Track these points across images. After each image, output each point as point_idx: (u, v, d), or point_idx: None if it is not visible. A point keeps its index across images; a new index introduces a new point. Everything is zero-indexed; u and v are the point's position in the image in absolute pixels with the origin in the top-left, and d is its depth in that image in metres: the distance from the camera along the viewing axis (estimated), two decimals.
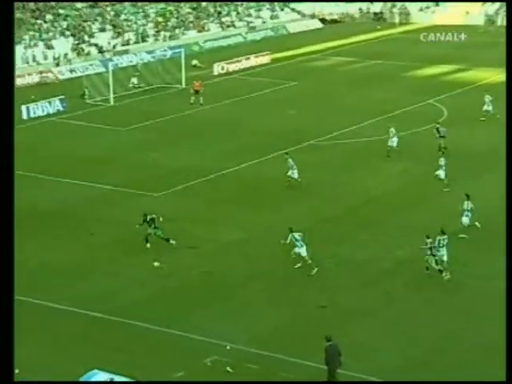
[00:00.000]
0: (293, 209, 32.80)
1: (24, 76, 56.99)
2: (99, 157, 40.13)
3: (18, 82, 56.34)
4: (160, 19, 71.48)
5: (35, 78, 57.29)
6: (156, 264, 28.03)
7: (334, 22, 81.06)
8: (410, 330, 23.73)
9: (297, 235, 27.26)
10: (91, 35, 65.57)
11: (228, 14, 76.73)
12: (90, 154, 40.43)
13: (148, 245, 29.24)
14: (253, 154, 39.35)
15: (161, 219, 29.39)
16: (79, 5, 68.60)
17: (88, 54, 63.26)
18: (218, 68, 59.51)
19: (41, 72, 57.55)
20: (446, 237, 26.73)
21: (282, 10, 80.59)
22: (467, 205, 29.63)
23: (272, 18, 79.06)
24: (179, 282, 26.99)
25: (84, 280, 26.93)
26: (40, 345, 23.22)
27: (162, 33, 69.85)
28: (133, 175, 37.33)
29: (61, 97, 49.58)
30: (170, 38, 69.69)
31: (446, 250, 26.56)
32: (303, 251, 27.17)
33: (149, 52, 63.93)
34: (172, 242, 29.27)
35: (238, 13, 77.57)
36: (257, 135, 43.24)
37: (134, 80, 55.28)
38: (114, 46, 65.47)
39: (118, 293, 26.09)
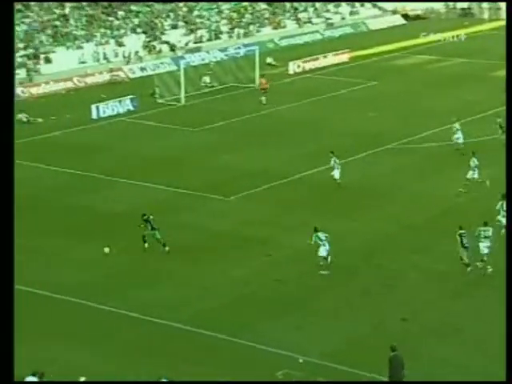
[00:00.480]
0: (369, 215, 32.56)
1: (94, 74, 58.13)
2: (169, 158, 40.60)
3: (88, 80, 57.51)
4: (234, 15, 71.97)
5: (106, 77, 58.35)
6: (106, 250, 29.07)
7: (418, 18, 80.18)
8: (496, 346, 23.21)
9: (322, 235, 27.75)
10: (163, 32, 66.47)
11: (305, 10, 76.72)
12: (160, 155, 40.94)
13: (146, 245, 29.55)
14: (323, 158, 39.22)
15: (151, 217, 29.67)
16: (151, 1, 69.66)
17: (159, 51, 64.12)
18: (293, 66, 59.53)
19: (111, 70, 58.60)
20: (488, 228, 27.20)
21: (362, 5, 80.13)
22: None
23: (351, 14, 78.69)
24: (252, 290, 27.07)
25: (153, 288, 27.24)
26: (107, 352, 23.59)
27: (236, 30, 70.28)
28: (204, 178, 37.63)
29: (131, 96, 50.38)
30: (244, 35, 70.06)
31: (488, 242, 27.00)
32: (323, 250, 27.68)
33: (222, 50, 64.39)
34: (166, 248, 29.36)
35: (315, 9, 77.47)
36: (334, 137, 43.06)
37: (206, 79, 55.75)
38: (186, 44, 66.20)
39: (189, 301, 26.28)
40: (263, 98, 49.95)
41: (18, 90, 54.08)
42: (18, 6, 61.76)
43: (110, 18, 65.62)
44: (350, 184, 36.00)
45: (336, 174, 35.24)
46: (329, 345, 23.63)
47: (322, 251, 27.79)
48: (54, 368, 21.99)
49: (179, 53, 64.55)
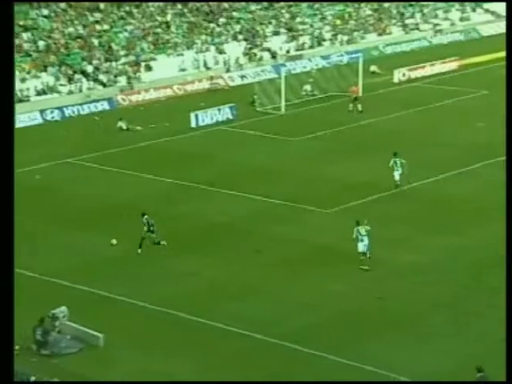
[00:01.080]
0: (480, 232, 31.72)
1: (194, 82, 58.90)
2: (268, 168, 40.66)
3: (188, 88, 58.32)
4: (338, 22, 71.74)
5: (205, 85, 59.06)
6: (114, 241, 31.11)
7: None
8: None
9: (362, 229, 29.11)
10: (264, 39, 66.82)
11: (412, 16, 75.79)
12: (258, 165, 41.06)
13: (139, 250, 30.56)
14: (436, 168, 38.50)
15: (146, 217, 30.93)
16: (253, 7, 70.19)
17: (260, 58, 64.46)
18: (398, 75, 58.83)
19: (211, 78, 59.28)
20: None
21: (474, 10, 78.61)
22: None
23: (462, 19, 77.25)
24: (352, 306, 26.76)
25: (251, 301, 27.23)
26: (204, 365, 23.71)
27: (340, 36, 70.03)
28: (303, 189, 37.51)
29: (231, 104, 50.79)
30: (348, 41, 69.72)
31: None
32: (361, 246, 29.10)
33: (324, 57, 64.25)
34: (163, 242, 30.80)
35: (423, 14, 76.45)
36: (441, 148, 42.28)
37: (308, 87, 55.67)
38: (288, 51, 66.36)
39: (287, 316, 26.17)
40: (356, 105, 49.67)
41: (119, 98, 55.34)
42: (120, 13, 63.29)
43: (212, 25, 66.43)
44: (458, 197, 35.22)
45: (396, 175, 36.32)
46: (434, 367, 23.05)
47: (360, 246, 29.09)
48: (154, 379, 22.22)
49: (280, 60, 64.76)
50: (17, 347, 23.59)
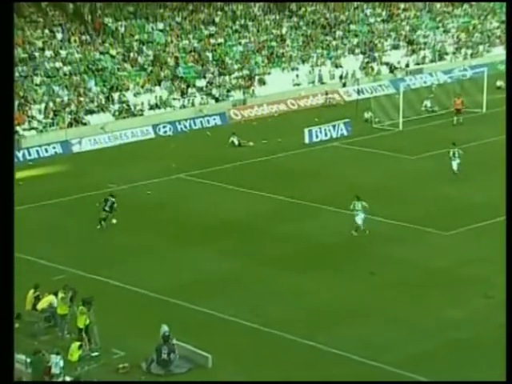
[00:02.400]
0: None
1: (309, 97, 59.31)
2: (384, 187, 40.51)
3: (302, 103, 58.79)
4: (462, 35, 70.86)
5: (320, 100, 59.37)
6: (114, 221, 35.40)
7: None
8: None
9: (359, 204, 33.72)
10: (383, 53, 66.66)
11: None
12: (373, 184, 40.94)
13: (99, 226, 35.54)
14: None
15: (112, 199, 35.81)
16: (372, 19, 70.18)
17: (378, 73, 64.37)
18: None
19: (326, 93, 59.54)
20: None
21: None
22: None
23: None
24: (469, 334, 26.33)
25: (363, 325, 27.14)
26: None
27: (463, 50, 69.18)
28: (420, 209, 37.19)
29: (345, 120, 50.86)
30: (472, 55, 68.80)
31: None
32: (358, 219, 33.94)
33: (446, 72, 63.60)
34: (113, 221, 35.47)
35: None
36: None
37: (427, 103, 55.22)
38: (407, 65, 65.99)
39: (401, 342, 25.94)
40: (455, 119, 49.29)
41: (231, 112, 56.30)
42: (235, 26, 64.46)
43: (328, 38, 66.76)
44: None
45: (454, 165, 40.69)
46: None
47: (358, 220, 34.11)
48: None
49: (399, 75, 64.46)
50: (126, 365, 24.23)
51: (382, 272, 30.74)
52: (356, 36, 68.02)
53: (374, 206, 37.70)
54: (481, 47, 69.93)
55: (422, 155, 45.41)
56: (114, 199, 36.01)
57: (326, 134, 49.69)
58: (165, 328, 24.92)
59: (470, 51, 69.04)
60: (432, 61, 67.40)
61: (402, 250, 32.88)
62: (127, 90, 55.34)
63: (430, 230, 34.68)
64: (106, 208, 35.88)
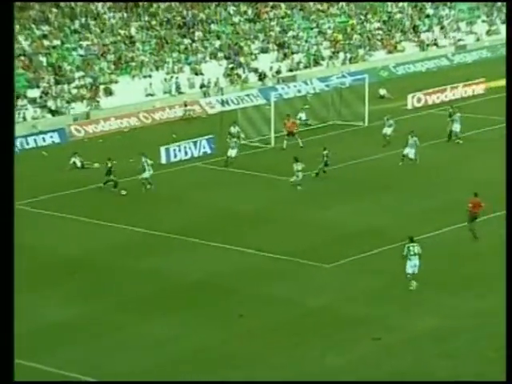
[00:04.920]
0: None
1: (164, 109, 59.36)
2: (255, 213, 40.89)
3: (157, 116, 58.79)
4: (339, 37, 72.59)
5: (178, 112, 59.51)
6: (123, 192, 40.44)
7: None
8: None
9: (414, 248, 32.35)
10: (250, 57, 67.48)
11: (429, 30, 76.83)
12: (243, 210, 41.28)
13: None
14: (457, 214, 38.83)
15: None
16: (236, 18, 70.94)
17: (245, 81, 65.12)
18: (412, 100, 59.50)
19: (185, 104, 59.75)
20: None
21: (504, 22, 79.66)
22: None
23: (489, 33, 78.40)
24: (356, 381, 26.80)
25: (230, 373, 27.26)
26: None
27: (341, 54, 70.85)
28: (297, 239, 37.68)
29: (209, 136, 51.12)
30: (351, 60, 70.55)
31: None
32: (409, 267, 32.44)
33: (322, 79, 64.94)
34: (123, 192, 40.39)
35: (442, 27, 77.51)
36: (465, 189, 42.61)
37: (302, 115, 56.19)
38: (278, 72, 67.04)
39: None
40: (285, 142, 50.27)
41: (72, 129, 55.66)
42: (74, 26, 63.90)
43: (186, 41, 67.08)
44: (481, 251, 35.55)
45: (410, 152, 45.71)
46: None
47: (408, 268, 32.50)
48: None
49: (269, 83, 65.38)
50: None
51: (254, 313, 30.92)
52: (218, 38, 68.62)
53: (244, 236, 38.00)
54: (361, 51, 71.78)
55: None
56: None
57: (185, 153, 49.79)
58: None
59: (348, 55, 70.75)
60: (306, 66, 68.72)
61: (277, 287, 33.17)
62: None
63: (309, 262, 35.16)
64: None
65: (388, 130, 50.90)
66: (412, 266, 32.48)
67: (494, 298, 31.40)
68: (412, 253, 32.44)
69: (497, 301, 31.03)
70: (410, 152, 46.99)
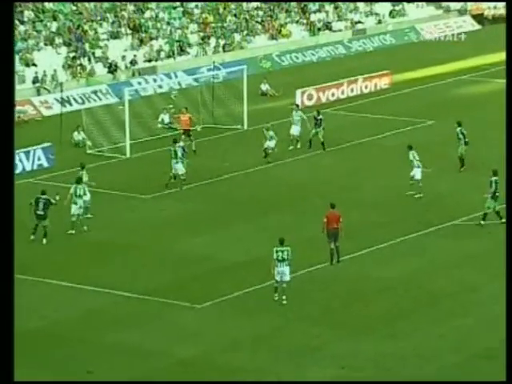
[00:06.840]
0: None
1: None
2: (105, 242, 40.83)
3: None
4: (209, 18, 72.99)
5: None
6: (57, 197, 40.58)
7: (498, 20, 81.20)
8: None
9: (283, 253, 34.02)
10: (96, 44, 67.29)
11: (320, 10, 77.88)
12: (96, 237, 41.19)
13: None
14: (365, 236, 39.64)
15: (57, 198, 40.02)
16: None
17: (90, 73, 64.91)
18: (302, 97, 60.14)
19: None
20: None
21: (410, 1, 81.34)
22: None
23: (393, 14, 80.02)
24: None
25: None
26: None
27: (212, 40, 71.27)
28: (162, 273, 37.84)
29: (45, 144, 50.76)
30: (225, 48, 71.01)
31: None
32: (276, 273, 34.36)
33: (189, 71, 65.24)
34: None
35: (336, 7, 78.67)
36: (364, 210, 43.40)
37: (165, 117, 56.30)
38: (134, 62, 67.03)
39: None
40: (191, 143, 50.47)
41: None
42: None
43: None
44: (380, 284, 36.33)
45: (417, 174, 44.85)
46: None
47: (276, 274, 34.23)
48: None
49: (122, 76, 65.34)
50: None
51: (105, 368, 30.96)
52: (55, 19, 68.16)
53: (95, 272, 37.90)
54: (237, 36, 72.24)
55: (159, 193, 46.15)
56: None
57: (15, 166, 49.34)
58: None
59: (221, 42, 71.16)
60: (169, 56, 68.84)
61: (137, 334, 33.23)
62: None
63: (177, 302, 35.29)
64: None
65: (270, 144, 50.18)
66: (280, 272, 34.27)
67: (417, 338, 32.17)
68: (280, 258, 34.18)
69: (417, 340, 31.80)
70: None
